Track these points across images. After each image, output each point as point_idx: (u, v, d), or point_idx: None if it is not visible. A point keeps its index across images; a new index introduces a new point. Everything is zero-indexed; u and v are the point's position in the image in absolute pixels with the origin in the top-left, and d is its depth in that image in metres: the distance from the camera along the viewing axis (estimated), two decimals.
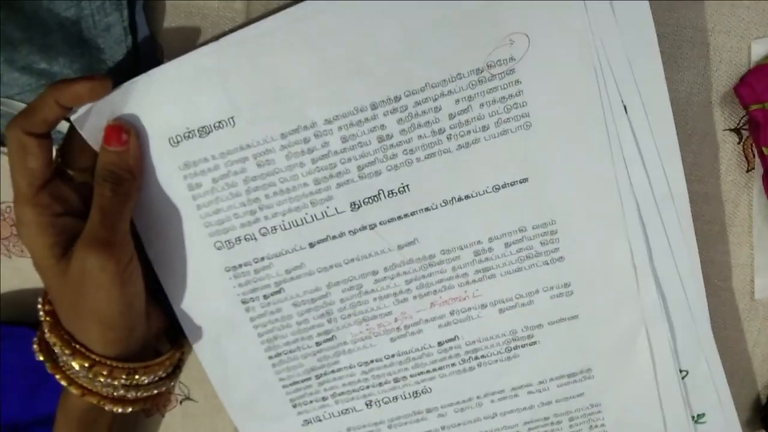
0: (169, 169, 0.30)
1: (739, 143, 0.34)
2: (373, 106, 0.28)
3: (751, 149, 0.33)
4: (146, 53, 0.31)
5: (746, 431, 0.36)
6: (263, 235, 0.31)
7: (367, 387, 0.34)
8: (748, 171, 0.34)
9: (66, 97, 0.27)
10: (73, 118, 0.28)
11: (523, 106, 0.28)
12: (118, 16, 0.29)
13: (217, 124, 0.29)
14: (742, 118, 0.33)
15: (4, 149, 0.33)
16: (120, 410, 0.31)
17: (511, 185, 0.30)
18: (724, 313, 0.35)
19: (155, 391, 0.33)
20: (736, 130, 0.33)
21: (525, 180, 0.30)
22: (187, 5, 0.31)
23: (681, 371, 0.34)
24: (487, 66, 0.27)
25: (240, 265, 0.31)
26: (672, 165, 0.30)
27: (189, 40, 0.29)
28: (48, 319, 0.30)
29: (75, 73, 0.30)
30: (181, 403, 0.39)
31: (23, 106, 0.30)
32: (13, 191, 0.28)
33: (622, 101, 0.29)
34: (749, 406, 0.37)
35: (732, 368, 0.34)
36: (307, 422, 0.35)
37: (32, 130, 0.27)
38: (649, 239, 0.31)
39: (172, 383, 0.35)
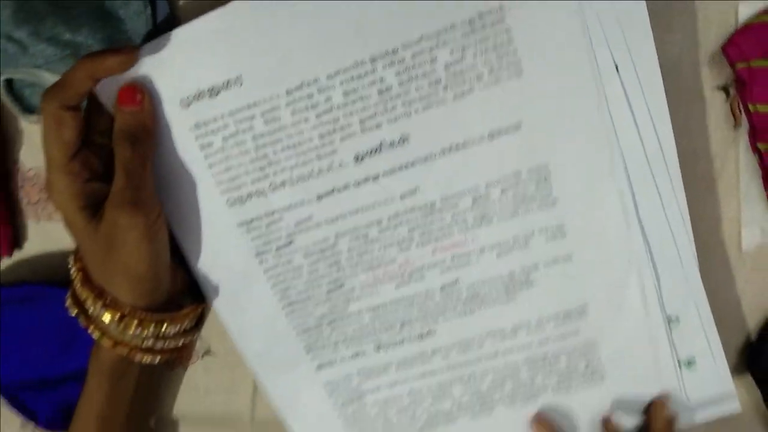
0: (181, 130, 0.32)
1: (726, 101, 0.35)
2: (373, 60, 0.30)
3: (738, 107, 0.35)
4: (164, 23, 0.32)
5: (733, 377, 0.37)
6: (273, 190, 0.33)
7: (376, 331, 0.36)
8: (735, 127, 0.35)
9: (98, 70, 0.29)
10: None
11: (514, 53, 0.30)
12: None
13: (225, 84, 0.31)
14: (729, 76, 0.34)
15: (32, 118, 0.34)
16: (148, 360, 0.33)
17: (505, 132, 0.31)
18: (713, 264, 0.37)
19: (181, 342, 0.35)
20: (724, 88, 0.35)
21: (518, 126, 0.31)
22: None
23: (672, 319, 0.36)
24: (479, 16, 0.29)
25: (252, 220, 0.33)
26: (661, 122, 0.32)
27: (205, 11, 0.30)
28: (80, 275, 0.32)
29: (98, 43, 0.32)
30: (202, 357, 0.41)
31: (50, 76, 0.32)
32: (47, 161, 0.30)
33: (614, 60, 0.31)
34: (736, 354, 0.39)
35: (720, 317, 0.36)
36: (320, 366, 0.37)
37: (67, 103, 0.29)
38: (637, 192, 0.33)
39: (196, 336, 0.37)
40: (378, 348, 0.36)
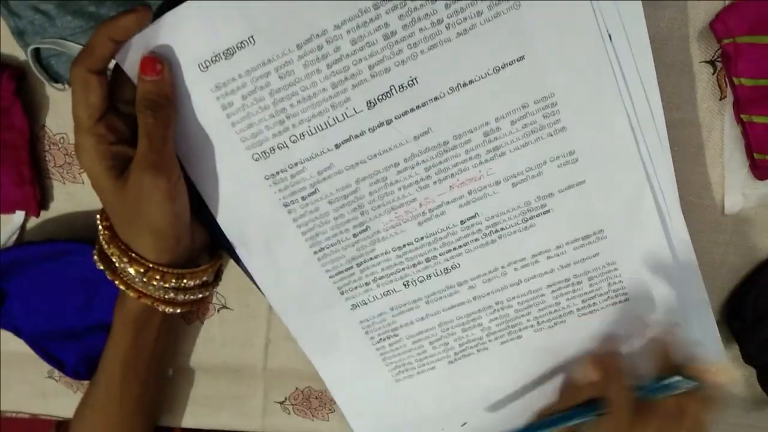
0: (202, 94, 0.34)
1: (713, 74, 0.37)
2: (376, 6, 0.31)
3: (724, 79, 0.36)
4: None
5: None
6: (293, 142, 0.34)
7: (403, 269, 0.38)
8: (721, 99, 0.37)
9: (117, 31, 0.31)
10: (115, 56, 0.32)
11: None
12: None
13: (239, 45, 0.32)
14: (716, 51, 0.36)
15: (58, 86, 0.37)
16: (170, 310, 0.36)
17: (510, 64, 0.32)
18: (698, 226, 0.39)
19: (200, 295, 0.38)
20: (711, 62, 0.36)
21: (522, 58, 0.32)
22: None
23: None
24: None
25: (277, 173, 0.35)
26: (651, 89, 0.33)
27: None
28: (106, 233, 0.35)
29: None
30: (218, 311, 0.44)
31: (75, 46, 0.34)
32: (75, 123, 0.32)
33: (607, 30, 0.32)
34: (718, 310, 0.41)
35: (704, 275, 0.38)
36: (354, 306, 0.39)
37: (93, 67, 0.31)
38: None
39: (214, 290, 0.40)
40: (407, 285, 0.38)
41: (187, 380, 0.47)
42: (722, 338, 0.41)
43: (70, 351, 0.44)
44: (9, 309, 0.43)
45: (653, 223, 0.36)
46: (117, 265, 0.35)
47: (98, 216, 0.36)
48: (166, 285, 0.35)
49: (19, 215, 0.41)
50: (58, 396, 0.48)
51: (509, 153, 0.35)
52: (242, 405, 0.47)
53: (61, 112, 0.39)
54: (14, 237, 0.42)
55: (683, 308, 0.39)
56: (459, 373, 0.41)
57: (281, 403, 0.47)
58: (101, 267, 0.36)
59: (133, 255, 0.34)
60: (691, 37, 0.36)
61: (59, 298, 0.43)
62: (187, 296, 0.37)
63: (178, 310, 0.37)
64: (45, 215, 0.42)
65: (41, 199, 0.41)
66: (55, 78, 0.36)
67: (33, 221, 0.42)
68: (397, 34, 0.32)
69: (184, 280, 0.36)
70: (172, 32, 0.32)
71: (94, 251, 0.36)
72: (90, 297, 0.42)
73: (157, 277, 0.35)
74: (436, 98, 0.33)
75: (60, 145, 0.40)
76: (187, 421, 0.48)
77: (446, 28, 0.32)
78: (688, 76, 0.37)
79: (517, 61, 0.32)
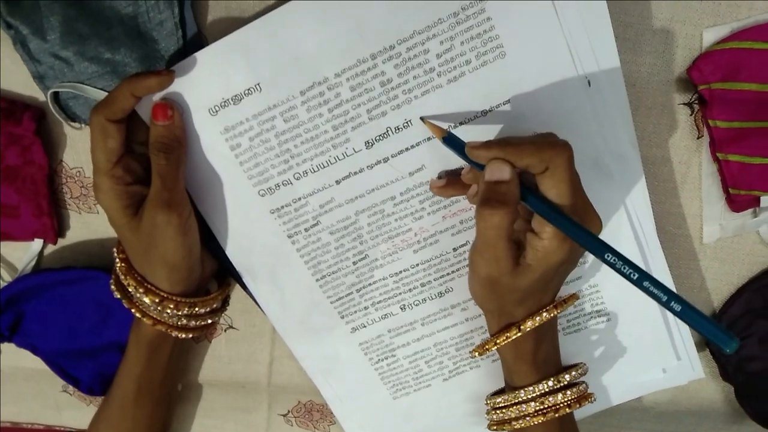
0: (211, 136, 0.36)
1: (691, 115, 0.39)
2: (373, 57, 0.34)
3: (701, 120, 0.39)
4: (193, 43, 0.36)
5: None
6: (297, 179, 0.37)
7: (400, 294, 0.40)
8: (698, 138, 0.40)
9: (139, 89, 0.33)
10: None
11: (497, 38, 0.33)
12: (170, 13, 0.35)
13: (246, 91, 0.35)
14: (693, 94, 0.39)
15: (75, 125, 0.39)
16: (182, 336, 0.39)
17: (497, 107, 0.35)
18: (678, 254, 0.42)
19: (209, 321, 0.40)
20: (689, 105, 0.39)
21: (507, 102, 0.35)
22: (227, 3, 0.37)
23: None
24: (462, 9, 0.32)
25: (282, 207, 0.38)
26: (627, 130, 0.36)
27: (229, 32, 0.34)
28: (123, 265, 0.38)
29: (134, 61, 0.36)
30: (225, 331, 0.46)
31: (92, 89, 0.37)
32: (93, 166, 0.35)
33: (586, 75, 0.34)
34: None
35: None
36: (354, 329, 0.42)
37: (112, 117, 0.34)
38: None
39: (223, 314, 0.42)
40: (403, 308, 0.41)
41: (195, 394, 0.49)
42: (702, 358, 0.43)
43: (84, 369, 0.46)
44: (26, 329, 0.46)
45: (631, 249, 0.39)
46: (133, 294, 0.37)
47: (115, 249, 0.38)
48: (180, 313, 0.38)
49: (37, 243, 0.44)
50: (72, 409, 0.51)
51: None
52: (247, 417, 0.50)
53: (77, 148, 0.41)
54: (32, 263, 0.44)
55: (663, 329, 0.41)
56: (454, 390, 0.43)
57: (284, 415, 0.50)
58: (118, 296, 0.38)
59: (149, 286, 0.37)
60: (670, 81, 0.38)
61: (74, 318, 0.45)
62: (199, 322, 0.39)
63: (190, 335, 0.39)
64: (62, 243, 0.44)
65: (58, 228, 0.43)
66: (72, 118, 0.39)
67: (50, 248, 0.45)
68: (393, 81, 0.34)
69: (196, 308, 0.38)
70: (185, 79, 0.35)
71: (111, 281, 0.39)
72: (103, 318, 0.45)
73: (171, 305, 0.37)
74: (428, 138, 0.36)
75: (76, 179, 0.42)
76: None
77: (438, 75, 0.34)
78: (668, 117, 0.39)
79: (503, 104, 0.35)
